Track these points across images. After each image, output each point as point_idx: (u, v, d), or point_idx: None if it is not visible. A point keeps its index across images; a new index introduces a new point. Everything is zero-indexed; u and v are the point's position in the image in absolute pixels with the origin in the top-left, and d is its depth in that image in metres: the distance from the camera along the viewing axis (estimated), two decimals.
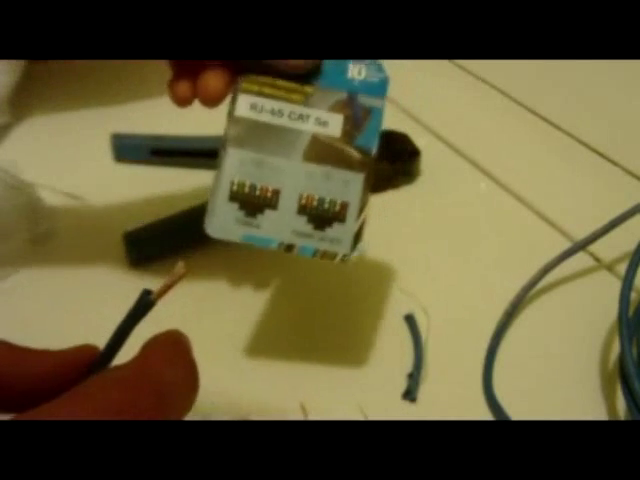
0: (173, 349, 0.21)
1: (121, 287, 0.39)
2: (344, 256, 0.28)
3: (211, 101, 0.30)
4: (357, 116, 0.29)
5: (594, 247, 0.41)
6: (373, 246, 0.44)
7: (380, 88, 0.30)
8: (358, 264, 0.42)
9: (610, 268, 0.42)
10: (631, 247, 0.36)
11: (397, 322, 0.38)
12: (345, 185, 0.28)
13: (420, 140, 0.51)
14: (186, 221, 0.42)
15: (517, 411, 0.33)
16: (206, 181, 0.48)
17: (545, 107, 0.56)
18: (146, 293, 0.23)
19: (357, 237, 0.28)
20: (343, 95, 0.29)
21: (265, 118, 0.28)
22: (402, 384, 0.34)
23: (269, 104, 0.28)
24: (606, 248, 0.42)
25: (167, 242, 0.41)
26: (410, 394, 0.34)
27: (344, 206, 0.28)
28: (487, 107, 0.59)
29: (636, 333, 0.34)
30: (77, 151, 0.51)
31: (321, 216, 0.28)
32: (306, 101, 0.29)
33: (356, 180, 0.28)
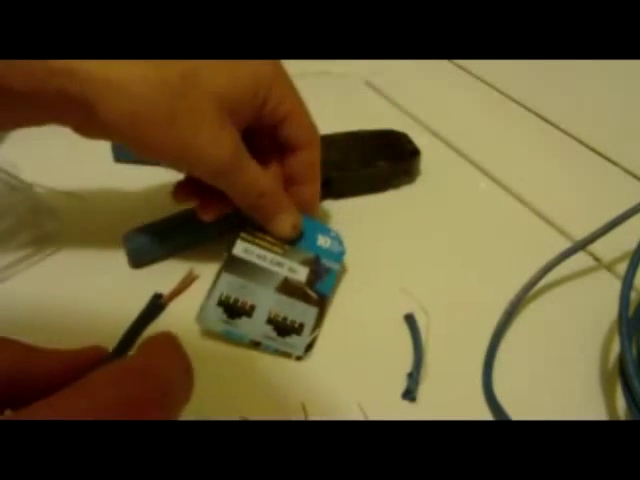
0: (169, 348, 0.22)
1: (121, 287, 0.39)
2: (298, 356, 0.36)
3: (202, 219, 0.39)
4: (319, 271, 0.39)
5: (594, 247, 0.41)
6: (373, 245, 0.44)
7: (338, 257, 0.40)
8: (358, 263, 0.42)
9: (610, 268, 0.42)
10: (631, 247, 0.36)
11: (397, 322, 0.38)
12: (304, 313, 0.37)
13: (420, 140, 0.51)
14: (186, 221, 0.42)
15: (517, 410, 0.33)
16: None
17: (545, 107, 0.56)
18: (157, 297, 0.24)
19: (309, 345, 0.36)
20: (311, 255, 0.39)
21: (253, 259, 0.38)
22: (402, 384, 0.34)
23: (257, 250, 0.38)
24: (606, 248, 0.42)
25: (167, 242, 0.41)
26: (410, 394, 0.34)
27: (301, 325, 0.37)
28: (487, 107, 0.59)
29: (636, 332, 0.34)
30: (77, 151, 0.51)
31: (283, 328, 0.36)
32: (284, 254, 0.39)
33: (312, 311, 0.37)
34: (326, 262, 0.39)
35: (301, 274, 0.38)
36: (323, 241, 0.40)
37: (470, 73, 0.63)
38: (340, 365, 0.35)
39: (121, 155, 0.50)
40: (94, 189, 0.46)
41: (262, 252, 0.38)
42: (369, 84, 0.64)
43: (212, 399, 0.33)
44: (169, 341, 0.22)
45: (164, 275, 0.40)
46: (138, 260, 0.41)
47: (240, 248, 0.38)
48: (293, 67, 0.67)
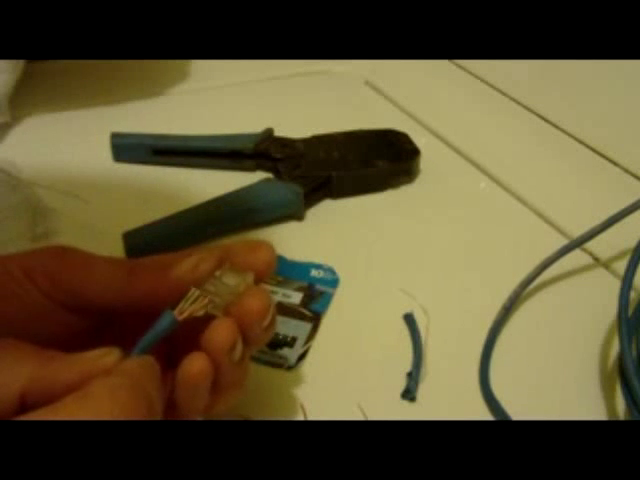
0: (153, 369, 0.23)
1: None
2: (289, 366, 0.35)
3: None
4: (313, 295, 0.39)
5: (593, 246, 0.41)
6: (372, 245, 0.44)
7: (332, 283, 0.40)
8: (357, 264, 0.42)
9: (607, 266, 0.42)
10: (628, 245, 0.35)
11: (396, 321, 0.38)
12: (297, 328, 0.37)
13: (420, 139, 0.51)
14: (186, 221, 0.42)
15: (516, 409, 0.33)
16: (206, 181, 0.48)
17: (545, 107, 0.56)
18: (169, 313, 0.25)
19: (302, 356, 0.35)
20: (305, 283, 0.40)
21: None
22: (401, 383, 0.34)
23: None
24: (604, 247, 0.42)
25: (167, 242, 0.41)
26: (409, 393, 0.34)
27: (294, 339, 0.36)
28: (487, 107, 0.59)
29: (635, 332, 0.34)
30: (77, 151, 0.51)
31: (275, 342, 0.36)
32: (277, 284, 0.39)
33: (306, 327, 0.37)
34: (320, 287, 0.39)
35: (295, 298, 0.39)
36: (316, 273, 0.40)
37: (470, 73, 0.63)
38: (339, 365, 0.35)
39: (121, 154, 0.50)
40: (94, 189, 0.46)
41: None
42: (369, 84, 0.64)
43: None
44: (153, 365, 0.23)
45: None
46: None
47: None
48: (293, 67, 0.67)
